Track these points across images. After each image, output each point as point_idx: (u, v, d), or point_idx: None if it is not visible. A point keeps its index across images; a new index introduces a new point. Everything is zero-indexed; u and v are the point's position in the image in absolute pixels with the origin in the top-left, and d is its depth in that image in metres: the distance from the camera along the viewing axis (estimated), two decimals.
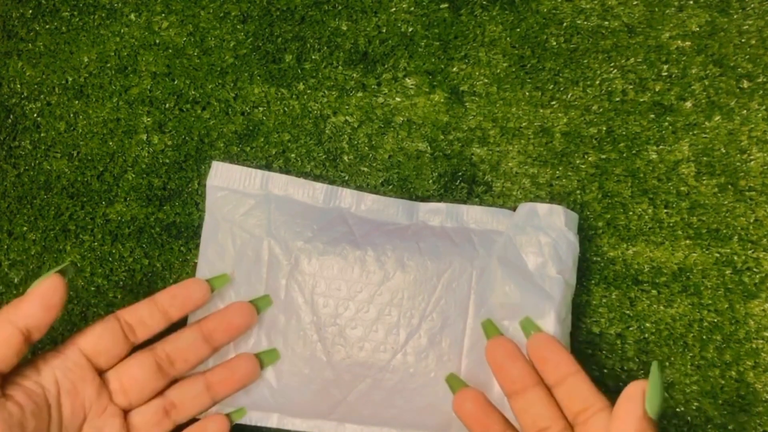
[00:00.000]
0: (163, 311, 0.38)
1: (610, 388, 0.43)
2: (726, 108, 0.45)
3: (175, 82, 0.46)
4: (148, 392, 0.37)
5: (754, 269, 0.44)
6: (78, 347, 0.36)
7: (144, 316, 0.37)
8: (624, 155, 0.45)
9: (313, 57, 0.46)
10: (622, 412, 0.32)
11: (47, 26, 0.47)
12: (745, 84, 0.45)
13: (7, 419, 0.32)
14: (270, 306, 0.40)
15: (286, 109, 0.45)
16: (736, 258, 0.44)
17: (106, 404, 0.36)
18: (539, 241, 0.41)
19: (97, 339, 0.36)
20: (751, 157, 0.45)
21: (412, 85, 0.45)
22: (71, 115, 0.46)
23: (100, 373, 0.36)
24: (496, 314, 0.40)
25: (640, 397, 0.32)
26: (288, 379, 0.40)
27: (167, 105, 0.46)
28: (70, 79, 0.46)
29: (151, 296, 0.38)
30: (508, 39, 0.46)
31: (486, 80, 0.46)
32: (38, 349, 0.44)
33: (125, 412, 0.37)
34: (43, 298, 0.34)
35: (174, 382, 0.39)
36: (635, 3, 0.46)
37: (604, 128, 0.45)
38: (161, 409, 0.37)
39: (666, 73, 0.45)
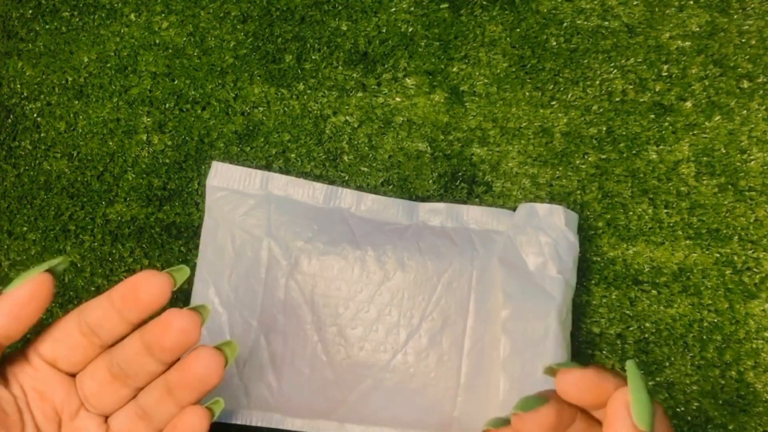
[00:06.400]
0: (117, 312, 0.30)
1: None
2: (726, 108, 0.45)
3: (175, 82, 0.46)
4: (114, 399, 0.32)
5: (754, 269, 0.44)
6: (37, 352, 0.31)
7: (100, 317, 0.30)
8: (624, 155, 0.45)
9: (313, 57, 0.46)
10: None
11: (47, 26, 0.47)
12: (745, 84, 0.45)
13: None
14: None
15: (286, 109, 0.45)
16: (736, 258, 0.44)
17: (78, 406, 0.33)
18: (539, 241, 0.41)
19: (53, 345, 0.31)
20: (751, 157, 0.45)
21: (412, 85, 0.45)
22: (71, 115, 0.46)
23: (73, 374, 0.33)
24: (496, 314, 0.40)
25: (624, 412, 0.27)
26: (288, 379, 0.40)
27: (167, 105, 0.46)
28: (70, 79, 0.46)
29: (109, 290, 0.31)
30: (508, 39, 0.46)
31: (486, 80, 0.46)
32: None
33: (105, 416, 0.33)
34: (13, 307, 0.28)
35: None
36: (635, 3, 0.46)
37: (604, 128, 0.45)
38: (133, 415, 0.33)
39: (666, 73, 0.45)
